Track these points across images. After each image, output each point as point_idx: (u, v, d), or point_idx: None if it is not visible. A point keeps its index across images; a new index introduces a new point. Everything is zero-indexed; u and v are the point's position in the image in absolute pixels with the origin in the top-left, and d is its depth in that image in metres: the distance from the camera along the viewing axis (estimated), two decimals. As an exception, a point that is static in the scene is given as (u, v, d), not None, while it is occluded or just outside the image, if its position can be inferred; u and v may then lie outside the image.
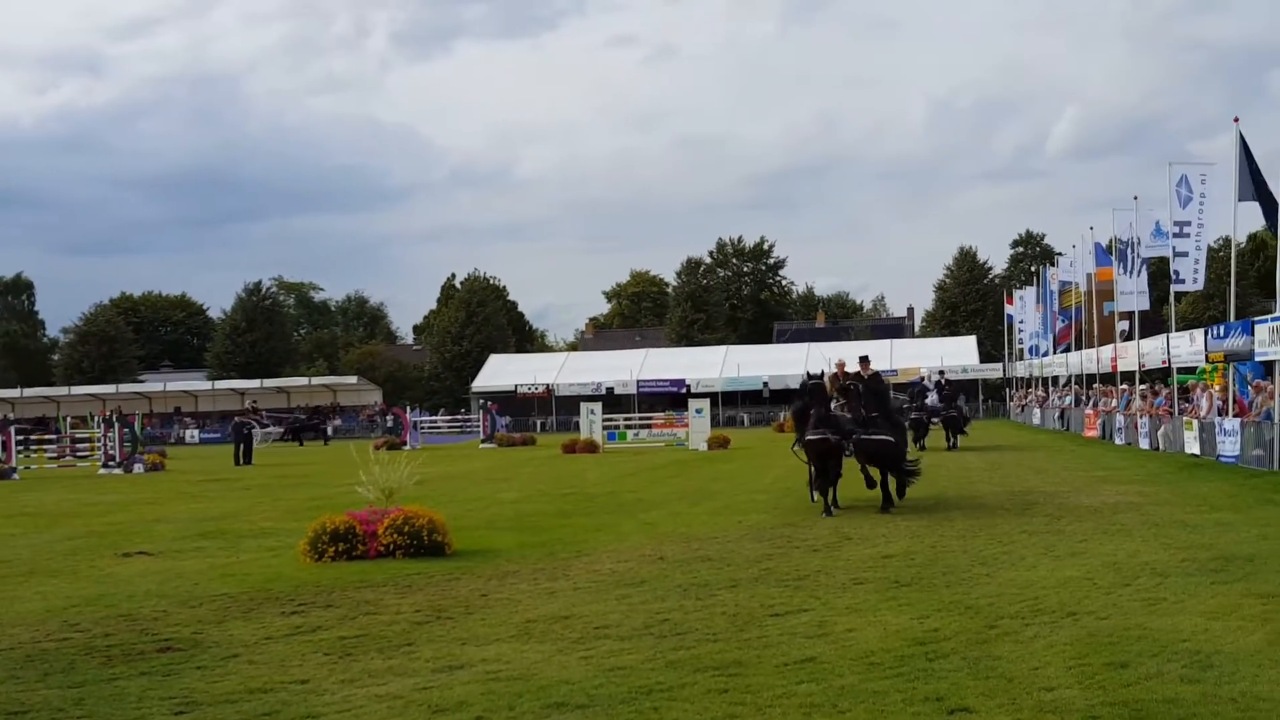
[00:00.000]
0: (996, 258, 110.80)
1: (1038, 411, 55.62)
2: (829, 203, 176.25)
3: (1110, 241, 41.62)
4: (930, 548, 13.73)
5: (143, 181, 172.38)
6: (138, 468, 38.38)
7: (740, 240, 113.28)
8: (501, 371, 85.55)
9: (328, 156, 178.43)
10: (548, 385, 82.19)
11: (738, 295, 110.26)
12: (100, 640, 9.67)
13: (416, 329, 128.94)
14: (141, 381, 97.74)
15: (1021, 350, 67.38)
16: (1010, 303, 71.03)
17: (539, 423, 79.69)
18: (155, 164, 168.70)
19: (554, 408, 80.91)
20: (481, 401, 59.83)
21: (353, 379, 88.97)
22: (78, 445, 43.69)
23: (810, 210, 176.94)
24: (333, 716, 7.17)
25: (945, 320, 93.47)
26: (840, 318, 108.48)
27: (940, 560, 12.73)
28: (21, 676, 8.44)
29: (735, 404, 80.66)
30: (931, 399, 37.53)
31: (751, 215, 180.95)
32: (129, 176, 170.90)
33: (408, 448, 46.16)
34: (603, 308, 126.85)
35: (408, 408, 57.13)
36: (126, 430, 39.64)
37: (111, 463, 38.31)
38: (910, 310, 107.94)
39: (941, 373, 44.68)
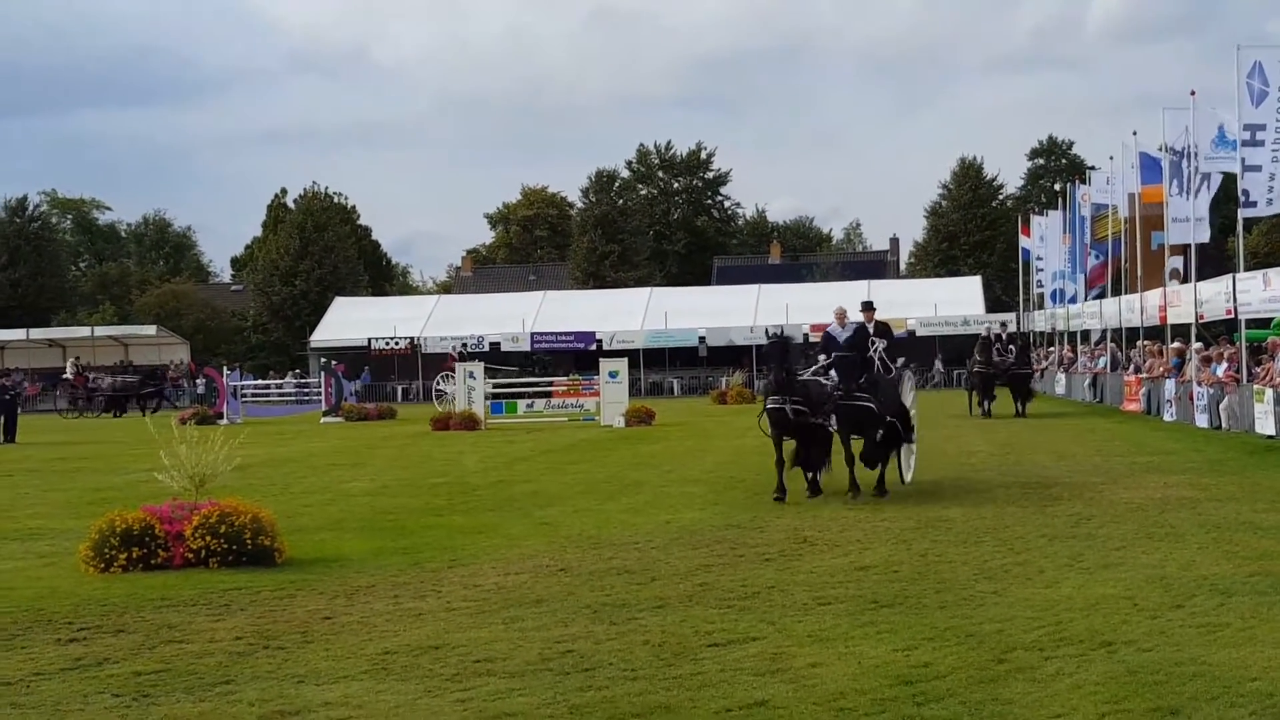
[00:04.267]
0: (1009, 172, 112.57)
1: (1061, 377, 56.32)
2: (789, 100, 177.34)
3: (1160, 151, 41.84)
4: (919, 557, 13.88)
5: None
6: None
7: (669, 147, 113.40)
8: (350, 321, 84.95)
9: (119, 32, 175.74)
10: (412, 339, 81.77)
11: (665, 220, 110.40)
12: None
13: (235, 262, 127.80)
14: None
15: (1041, 295, 68.07)
16: (1026, 233, 71.48)
17: (400, 389, 79.41)
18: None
19: (420, 369, 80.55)
20: (323, 360, 59.38)
21: (150, 329, 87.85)
22: None
23: (763, 110, 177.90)
24: (125, 780, 7.10)
25: (941, 255, 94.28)
26: (801, 252, 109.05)
27: (932, 573, 12.87)
28: None
29: (662, 365, 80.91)
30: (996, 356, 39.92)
31: (685, 115, 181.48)
32: None
33: (224, 422, 45.77)
34: (485, 236, 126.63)
35: (224, 368, 56.54)
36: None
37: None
38: (894, 242, 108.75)
39: (1004, 324, 45.77)
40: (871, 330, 20.86)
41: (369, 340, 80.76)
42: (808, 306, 79.90)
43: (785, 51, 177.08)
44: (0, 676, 9.37)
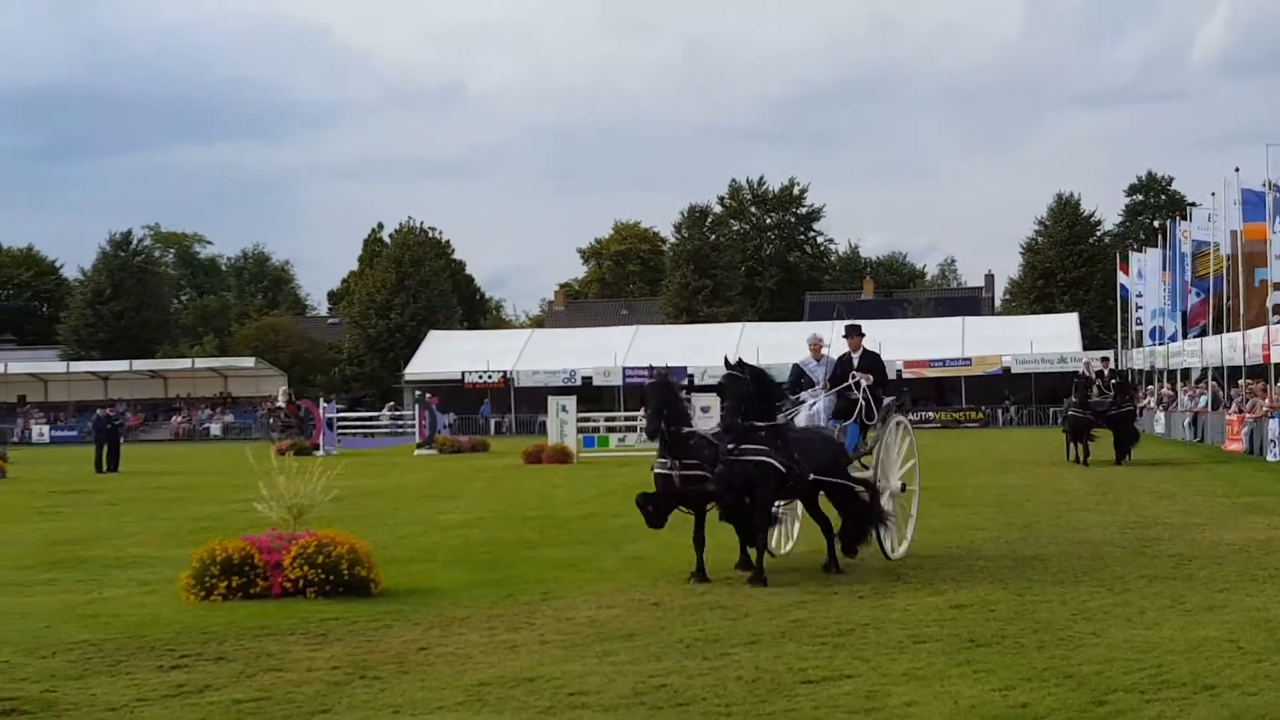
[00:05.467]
0: (1107, 209, 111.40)
1: (1160, 416, 55.79)
2: (882, 134, 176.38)
3: (1264, 187, 41.40)
4: (1016, 596, 13.75)
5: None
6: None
7: (762, 183, 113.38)
8: (444, 354, 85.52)
9: (218, 66, 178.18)
10: (504, 373, 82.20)
11: (757, 256, 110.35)
12: (-78, 699, 9.65)
13: (332, 296, 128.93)
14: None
15: (1140, 334, 67.42)
16: (1125, 270, 70.83)
17: (494, 422, 79.75)
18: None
19: (513, 403, 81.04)
20: (417, 393, 59.74)
21: (249, 361, 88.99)
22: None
23: (856, 144, 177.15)
24: (225, 807, 7.17)
25: (1036, 292, 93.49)
26: (894, 288, 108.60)
27: (1030, 613, 12.73)
28: None
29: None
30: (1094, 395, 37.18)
31: (777, 150, 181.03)
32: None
33: (321, 452, 46.16)
34: (577, 271, 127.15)
35: (321, 400, 57.07)
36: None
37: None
38: (989, 278, 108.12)
39: (1105, 359, 44.66)
40: (857, 362, 17.46)
41: (462, 373, 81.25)
42: (901, 342, 79.60)
43: (878, 85, 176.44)
44: (105, 702, 9.48)
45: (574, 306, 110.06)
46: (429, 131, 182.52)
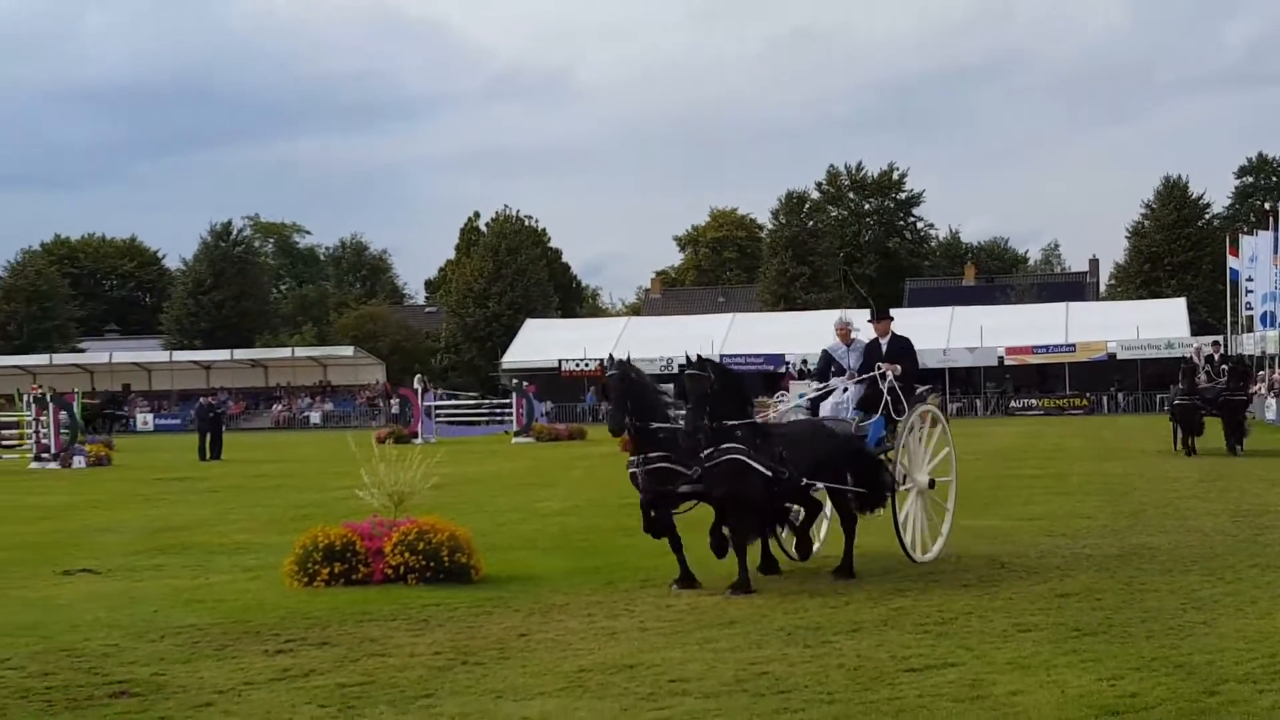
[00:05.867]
0: (1216, 191, 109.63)
1: (1272, 402, 54.89)
2: (984, 119, 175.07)
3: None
4: (1124, 585, 13.60)
5: (81, 93, 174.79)
6: (78, 461, 39.02)
7: (860, 168, 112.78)
8: (541, 342, 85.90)
9: (327, 58, 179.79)
10: (601, 361, 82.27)
11: (856, 242, 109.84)
12: (37, 681, 9.88)
13: (430, 285, 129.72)
14: (81, 351, 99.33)
15: (1250, 319, 66.47)
16: (1234, 254, 69.79)
17: (590, 410, 79.96)
18: (98, 70, 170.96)
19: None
20: (515, 381, 59.97)
21: (348, 350, 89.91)
22: (3, 432, 44.49)
23: (958, 129, 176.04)
24: (331, 790, 7.26)
25: (1143, 277, 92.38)
26: (996, 274, 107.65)
27: (1138, 602, 12.60)
28: (-64, 726, 8.64)
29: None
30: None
31: (876, 136, 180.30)
32: (64, 86, 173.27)
33: (419, 440, 46.61)
34: (674, 258, 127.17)
35: (419, 388, 57.47)
36: (64, 413, 40.28)
37: (46, 455, 39.01)
38: (1094, 263, 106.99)
39: (1216, 343, 43.68)
40: (885, 348, 16.02)
41: (559, 361, 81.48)
42: (1003, 329, 79.08)
43: (981, 69, 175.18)
44: (212, 685, 9.63)
45: (670, 294, 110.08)
46: (528, 121, 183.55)
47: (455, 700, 9.10)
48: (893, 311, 17.32)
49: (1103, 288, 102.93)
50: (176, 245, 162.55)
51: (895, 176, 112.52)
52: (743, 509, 13.98)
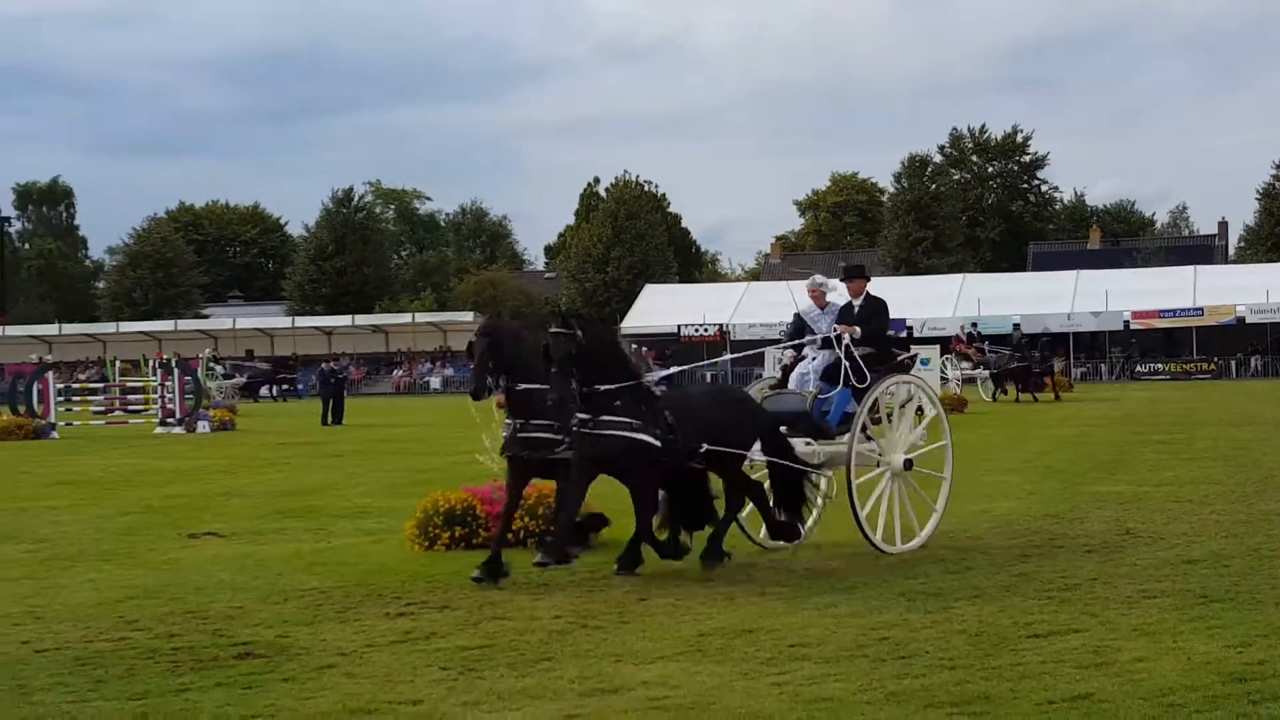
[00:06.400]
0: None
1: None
2: (1110, 80, 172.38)
3: None
4: (1251, 551, 13.40)
5: (206, 63, 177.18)
6: (203, 426, 39.68)
7: (984, 131, 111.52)
8: (660, 307, 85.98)
9: (442, 26, 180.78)
10: (721, 326, 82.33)
11: (979, 206, 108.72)
12: (164, 642, 10.09)
13: (549, 250, 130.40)
14: (205, 316, 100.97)
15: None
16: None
17: (709, 375, 79.90)
18: (222, 41, 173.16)
19: (730, 354, 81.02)
20: (634, 346, 60.07)
21: (468, 315, 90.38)
22: (129, 397, 45.29)
23: (1083, 91, 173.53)
24: (453, 750, 7.34)
25: (1274, 240, 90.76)
26: (1122, 237, 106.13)
27: (1266, 568, 12.40)
28: (71, 683, 8.85)
29: (975, 353, 79.63)
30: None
31: (1000, 99, 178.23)
32: (189, 56, 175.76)
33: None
34: (794, 223, 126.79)
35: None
36: (189, 379, 40.94)
37: (171, 420, 39.70)
38: (1223, 226, 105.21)
39: None
40: (858, 309, 14.75)
41: (678, 327, 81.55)
42: (1129, 294, 77.98)
43: (1106, 31, 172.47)
44: (335, 647, 9.77)
45: (791, 259, 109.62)
46: (648, 87, 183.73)
47: (575, 663, 9.16)
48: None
49: (1232, 250, 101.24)
50: (299, 212, 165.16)
51: (1019, 139, 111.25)
52: (632, 482, 12.74)
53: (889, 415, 14.49)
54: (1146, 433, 30.12)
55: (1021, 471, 22.08)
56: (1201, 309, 77.08)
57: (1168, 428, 31.62)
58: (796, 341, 15.00)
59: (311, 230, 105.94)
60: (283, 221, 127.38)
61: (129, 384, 46.61)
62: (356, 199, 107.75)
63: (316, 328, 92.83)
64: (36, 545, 15.59)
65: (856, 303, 14.79)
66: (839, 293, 15.29)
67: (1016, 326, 56.00)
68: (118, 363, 51.50)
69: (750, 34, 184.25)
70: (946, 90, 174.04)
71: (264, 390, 79.00)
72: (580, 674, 8.85)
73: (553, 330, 12.55)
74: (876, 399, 14.12)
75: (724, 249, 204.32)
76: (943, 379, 47.90)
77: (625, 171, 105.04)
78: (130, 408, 44.28)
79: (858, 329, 14.31)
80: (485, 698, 8.30)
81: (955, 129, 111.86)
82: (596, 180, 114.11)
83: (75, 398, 46.53)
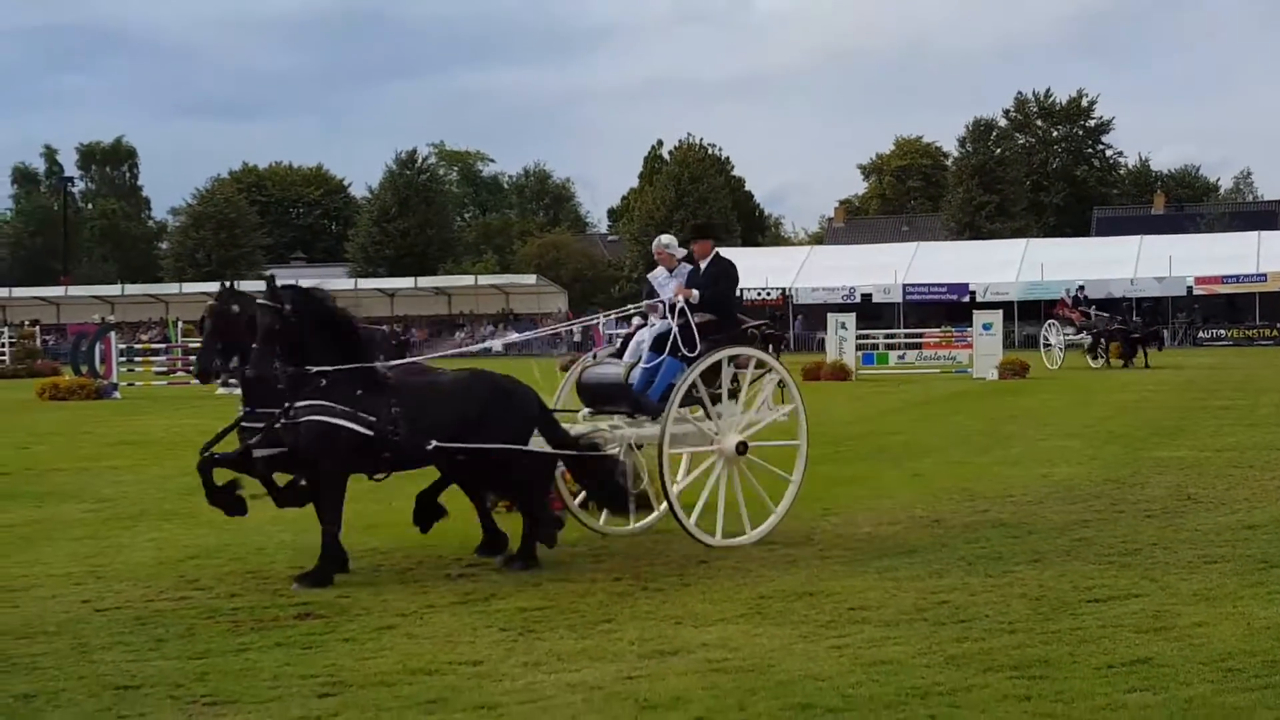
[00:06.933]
0: None
1: None
2: (1176, 45, 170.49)
3: None
4: (1314, 517, 13.31)
5: (269, 23, 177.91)
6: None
7: (1049, 95, 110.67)
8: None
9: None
10: (783, 290, 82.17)
11: (1043, 170, 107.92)
12: (225, 602, 10.20)
13: (612, 213, 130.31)
14: (269, 278, 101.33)
15: None
16: None
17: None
18: (285, 1, 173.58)
19: (792, 320, 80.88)
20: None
21: (531, 278, 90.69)
22: (191, 357, 45.53)
23: (1149, 55, 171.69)
24: (514, 709, 7.41)
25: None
26: (1187, 202, 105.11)
27: (1327, 534, 12.31)
28: (131, 642, 8.96)
29: (1037, 318, 79.15)
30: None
31: (1066, 63, 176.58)
32: (252, 17, 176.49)
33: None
34: (858, 187, 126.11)
35: (601, 316, 57.83)
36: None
37: (233, 381, 39.82)
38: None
39: None
40: (704, 272, 13.28)
41: (741, 290, 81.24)
42: (1193, 259, 77.40)
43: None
44: (396, 608, 9.84)
45: (854, 223, 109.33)
46: (713, 50, 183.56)
47: (635, 625, 9.20)
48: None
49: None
50: (362, 174, 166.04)
51: (1084, 104, 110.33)
52: (326, 477, 11.15)
53: (733, 393, 13.00)
54: (1208, 399, 29.89)
55: (1082, 436, 21.96)
56: (1265, 275, 76.36)
57: (1230, 394, 31.37)
58: (621, 311, 14.32)
59: (375, 192, 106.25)
60: (346, 183, 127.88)
61: (191, 344, 46.81)
62: (420, 161, 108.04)
63: (379, 289, 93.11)
64: (99, 505, 15.72)
65: (703, 265, 13.32)
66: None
67: (1081, 288, 55.23)
68: (179, 323, 51.75)
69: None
70: (1013, 54, 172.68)
71: None
72: (640, 636, 8.89)
73: (260, 302, 11.22)
74: (711, 372, 12.60)
75: (787, 213, 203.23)
76: (1045, 344, 47.66)
77: (689, 134, 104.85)
78: (190, 368, 44.54)
79: (696, 292, 12.86)
80: (545, 659, 8.36)
81: (1020, 93, 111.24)
82: (660, 143, 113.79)
83: (137, 358, 46.85)
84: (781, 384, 13.55)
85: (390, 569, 11.41)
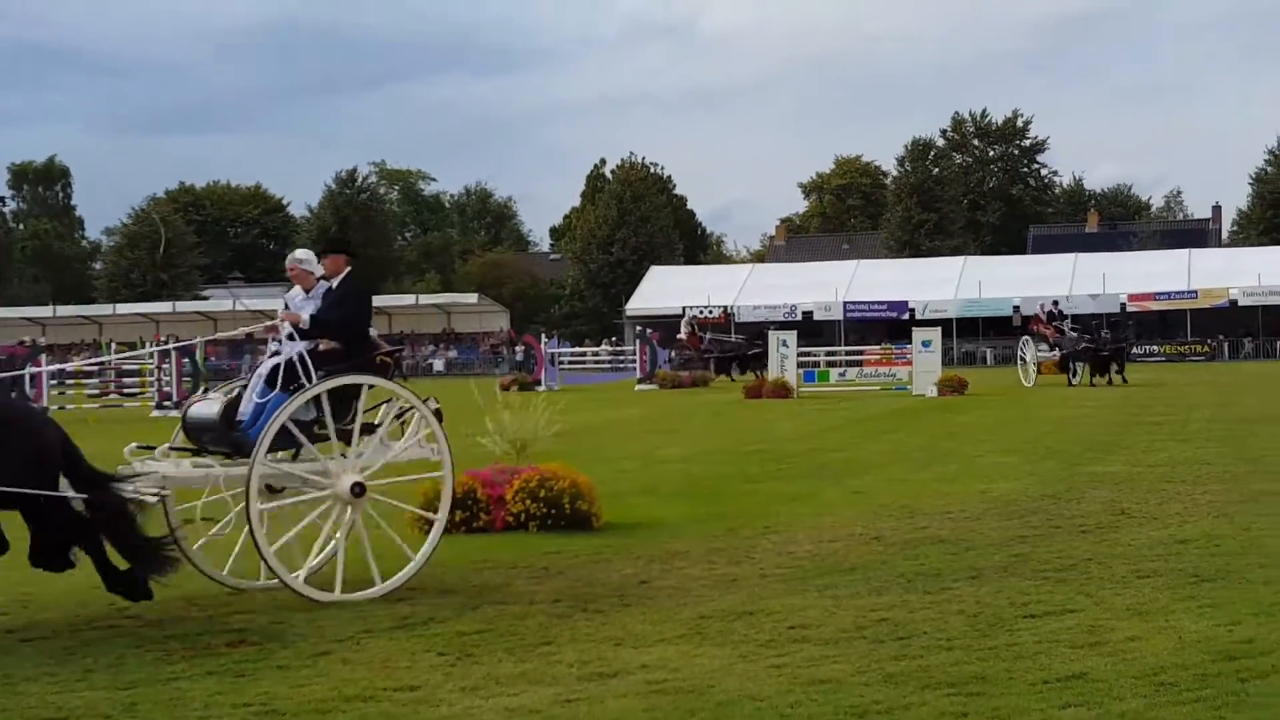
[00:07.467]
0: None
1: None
2: (1111, 66, 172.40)
3: None
4: (1242, 531, 13.39)
5: (209, 36, 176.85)
6: (199, 409, 39.60)
7: (985, 115, 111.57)
8: (664, 289, 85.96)
9: (449, 5, 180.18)
10: (725, 308, 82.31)
11: (980, 189, 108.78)
12: (155, 630, 10.07)
13: (554, 232, 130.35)
14: (205, 299, 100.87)
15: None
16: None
17: (714, 360, 79.88)
18: (225, 13, 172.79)
19: (733, 338, 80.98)
20: (638, 329, 60.16)
21: (472, 297, 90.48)
22: (125, 380, 45.21)
23: (1088, 72, 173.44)
24: (451, 734, 7.34)
25: (1266, 224, 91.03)
26: (1119, 220, 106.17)
27: (1257, 547, 12.38)
28: (58, 674, 8.79)
29: (975, 334, 79.82)
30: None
31: (1009, 80, 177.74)
32: (192, 29, 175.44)
33: (543, 388, 46.81)
34: (798, 205, 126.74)
35: (543, 336, 57.81)
36: (187, 361, 40.85)
37: (168, 403, 39.60)
38: (1216, 210, 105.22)
39: None
40: (332, 292, 11.84)
41: (683, 308, 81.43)
42: (1125, 276, 78.19)
43: (1107, 14, 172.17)
44: (332, 633, 9.75)
45: (795, 241, 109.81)
46: (653, 69, 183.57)
47: (574, 647, 9.16)
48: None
49: (1225, 235, 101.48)
50: (301, 192, 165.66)
51: (1019, 124, 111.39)
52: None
53: (371, 426, 11.82)
54: (1142, 414, 30.13)
55: (1020, 452, 22.09)
56: (1195, 292, 77.36)
57: (1162, 409, 31.63)
58: (232, 333, 12.91)
59: (314, 211, 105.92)
60: (285, 202, 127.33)
61: (124, 367, 46.41)
62: (360, 179, 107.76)
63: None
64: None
65: (333, 284, 11.89)
66: None
67: (1016, 309, 55.62)
68: (112, 345, 51.27)
69: (757, 18, 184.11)
70: (952, 73, 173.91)
71: None
72: (579, 658, 8.84)
73: None
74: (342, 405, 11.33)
75: (729, 231, 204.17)
76: (1021, 360, 47.68)
77: (631, 153, 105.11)
78: (126, 390, 44.20)
79: (305, 316, 11.53)
80: (483, 683, 8.29)
81: (957, 113, 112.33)
82: (603, 161, 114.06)
83: (69, 380, 46.24)
84: (407, 414, 11.96)
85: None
